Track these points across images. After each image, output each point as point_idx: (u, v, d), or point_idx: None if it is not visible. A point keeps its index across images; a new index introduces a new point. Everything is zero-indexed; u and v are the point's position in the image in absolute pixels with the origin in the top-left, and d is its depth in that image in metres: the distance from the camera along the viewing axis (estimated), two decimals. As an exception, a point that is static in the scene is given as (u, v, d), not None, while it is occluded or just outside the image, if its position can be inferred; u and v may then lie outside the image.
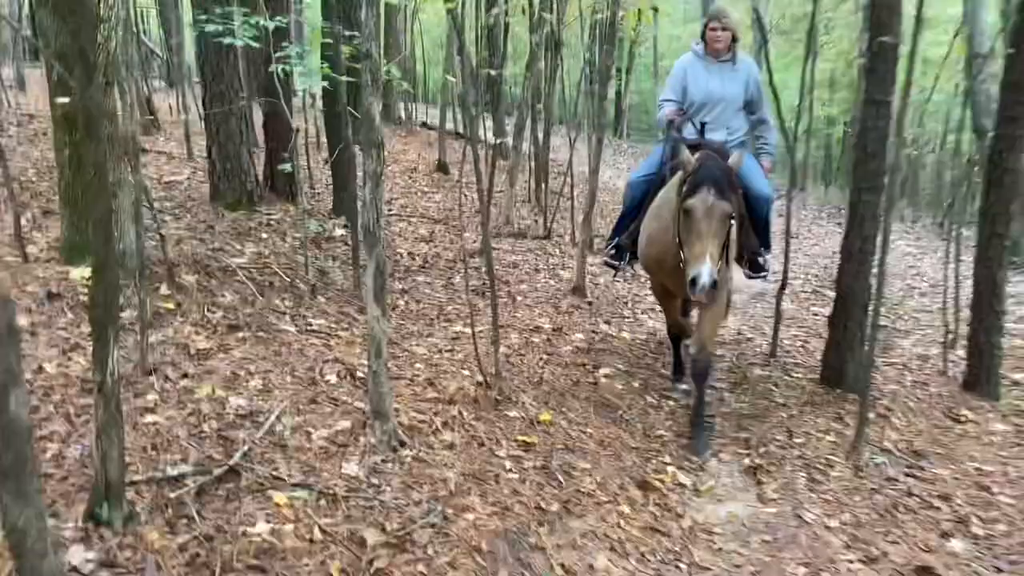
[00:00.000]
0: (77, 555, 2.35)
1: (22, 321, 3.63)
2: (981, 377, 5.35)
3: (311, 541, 2.62)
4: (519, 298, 5.82)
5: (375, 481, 3.03)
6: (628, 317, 6.01)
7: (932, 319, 6.93)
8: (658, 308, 5.72)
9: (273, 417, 3.29)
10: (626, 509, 3.34)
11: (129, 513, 2.52)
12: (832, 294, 5.33)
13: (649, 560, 3.03)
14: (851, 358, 4.77)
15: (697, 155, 3.84)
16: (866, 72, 4.83)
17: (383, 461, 3.18)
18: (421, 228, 6.97)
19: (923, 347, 6.25)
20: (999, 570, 3.17)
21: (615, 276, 5.32)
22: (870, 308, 4.71)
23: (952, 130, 15.24)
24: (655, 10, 8.46)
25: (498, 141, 8.21)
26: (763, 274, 4.65)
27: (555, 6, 7.69)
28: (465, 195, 8.45)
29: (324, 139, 7.08)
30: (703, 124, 4.48)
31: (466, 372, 4.21)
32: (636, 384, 4.75)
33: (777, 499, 3.63)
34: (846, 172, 17.22)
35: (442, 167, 9.75)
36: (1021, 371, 6.11)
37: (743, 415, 4.56)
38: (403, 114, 13.75)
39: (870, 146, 4.63)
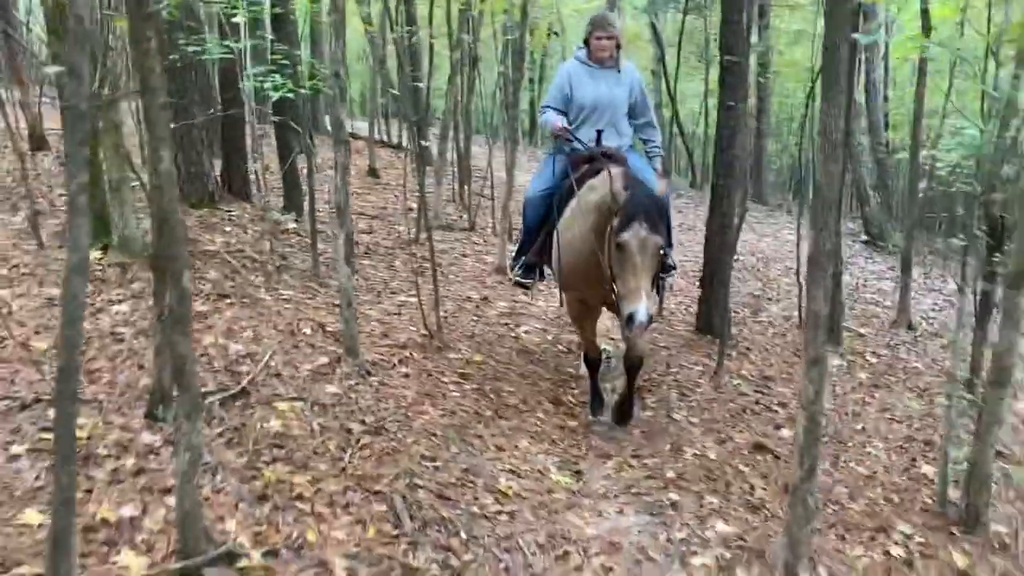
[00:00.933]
0: (146, 437, 3.27)
1: (51, 292, 4.48)
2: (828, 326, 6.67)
3: (312, 431, 3.59)
4: (451, 276, 6.86)
5: (352, 396, 4.02)
6: (543, 291, 7.13)
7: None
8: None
9: (267, 356, 4.24)
10: (541, 415, 4.43)
11: (175, 413, 3.45)
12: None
13: (559, 444, 4.12)
14: (716, 311, 5.99)
15: (618, 179, 3.77)
16: (720, 83, 6.06)
17: (356, 384, 4.17)
18: (361, 223, 7.92)
19: (788, 312, 7.57)
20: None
21: (526, 293, 5.48)
22: (730, 271, 5.95)
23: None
24: (556, 34, 9.63)
25: (425, 144, 9.23)
26: (672, 272, 4.76)
27: (471, 26, 8.77)
28: (396, 195, 9.44)
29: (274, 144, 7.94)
30: (599, 132, 4.55)
31: (413, 328, 5.22)
32: (550, 337, 5.85)
33: (654, 407, 4.78)
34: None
35: (373, 172, 10.70)
36: (867, 327, 7.52)
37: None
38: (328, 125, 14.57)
39: (724, 142, 5.88)
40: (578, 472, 3.85)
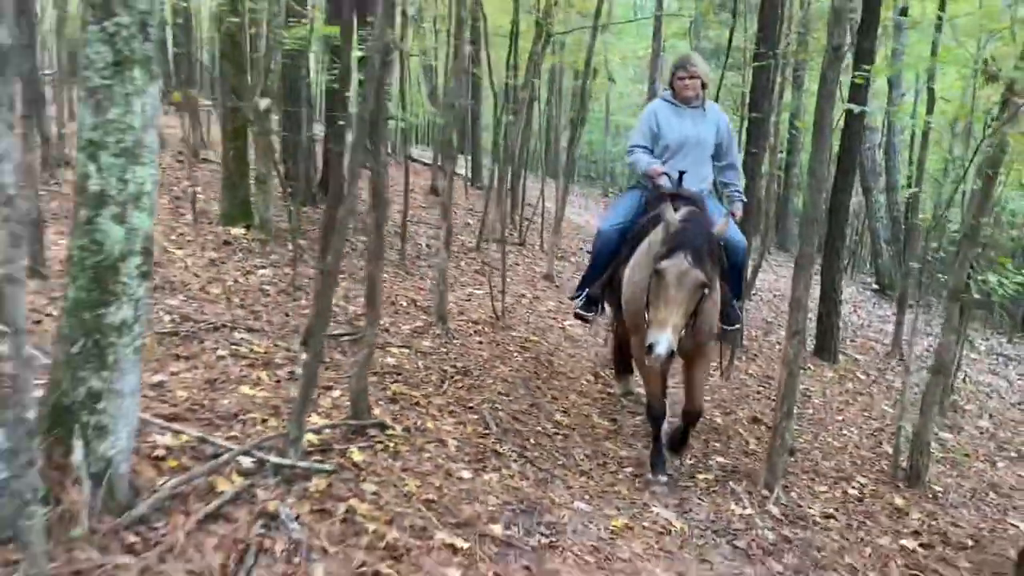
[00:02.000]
0: (304, 356, 4.48)
1: (211, 255, 5.75)
2: (825, 346, 7.82)
3: (417, 368, 4.80)
4: (507, 278, 8.10)
5: (443, 349, 5.23)
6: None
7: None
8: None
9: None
10: (585, 382, 5.61)
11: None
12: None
13: (599, 401, 5.30)
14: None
15: (681, 212, 3.75)
16: (747, 133, 7.29)
17: (445, 342, 5.38)
18: (429, 231, 9.20)
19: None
20: (800, 425, 5.53)
21: (585, 325, 5.30)
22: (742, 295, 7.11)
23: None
24: (613, 80, 10.95)
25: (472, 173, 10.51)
26: (736, 326, 4.58)
27: (535, 70, 10.10)
28: (456, 211, 10.73)
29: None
30: (681, 173, 4.35)
31: (481, 311, 6.44)
32: (591, 334, 7.05)
33: (675, 387, 5.95)
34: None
35: (434, 191, 12.02)
36: (864, 355, 8.63)
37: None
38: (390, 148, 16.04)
39: (746, 182, 7.07)
40: (614, 419, 5.02)
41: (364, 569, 2.45)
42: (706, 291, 3.54)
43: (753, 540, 3.53)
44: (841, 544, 3.70)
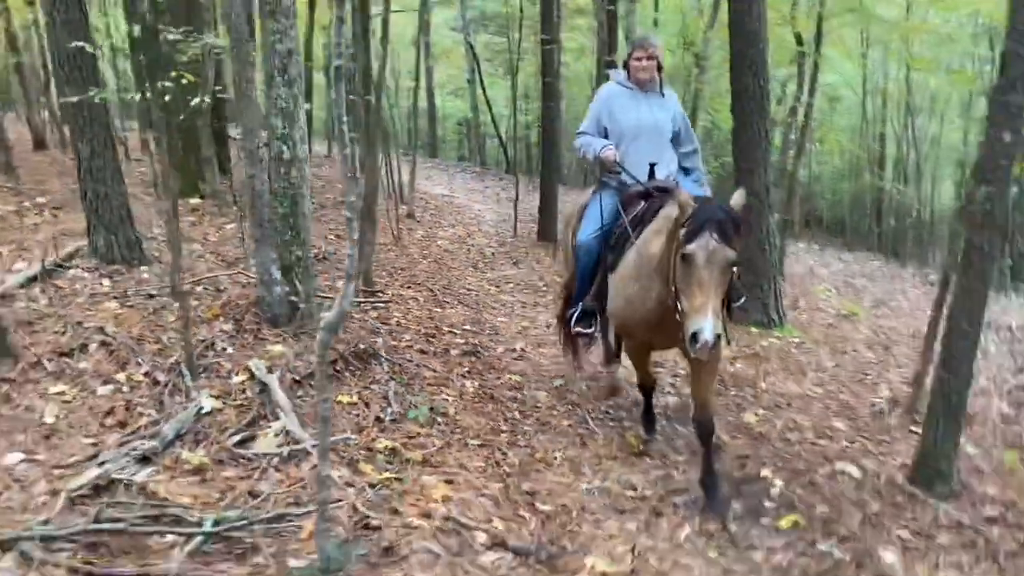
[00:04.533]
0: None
1: (189, 219, 7.73)
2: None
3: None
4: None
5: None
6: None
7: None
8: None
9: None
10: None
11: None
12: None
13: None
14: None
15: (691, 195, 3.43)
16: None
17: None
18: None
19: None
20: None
21: (587, 343, 4.85)
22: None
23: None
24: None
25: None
26: (742, 300, 4.29)
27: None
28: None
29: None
30: (652, 166, 4.23)
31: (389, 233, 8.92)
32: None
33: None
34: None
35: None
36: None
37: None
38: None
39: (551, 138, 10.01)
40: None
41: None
42: (734, 268, 3.25)
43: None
44: None
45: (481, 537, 3.18)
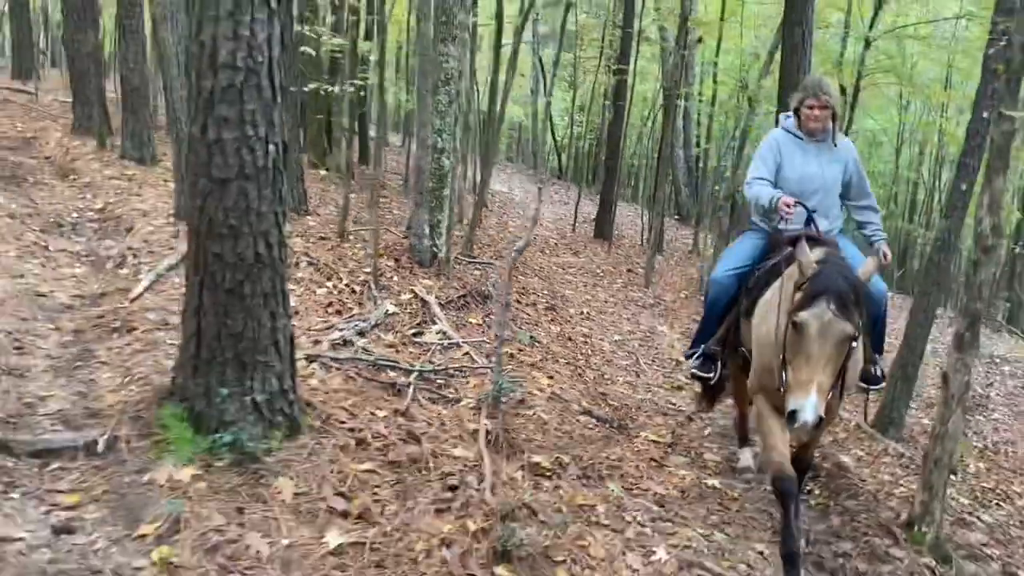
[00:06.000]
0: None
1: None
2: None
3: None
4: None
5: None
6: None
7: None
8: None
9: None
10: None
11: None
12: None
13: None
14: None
15: (816, 252, 3.25)
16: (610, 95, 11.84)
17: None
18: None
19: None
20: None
21: (705, 389, 4.58)
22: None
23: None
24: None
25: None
26: (880, 385, 4.10)
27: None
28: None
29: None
30: (811, 212, 3.89)
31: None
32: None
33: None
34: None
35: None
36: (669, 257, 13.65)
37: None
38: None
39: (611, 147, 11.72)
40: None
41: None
42: (853, 344, 3.04)
43: None
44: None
45: (575, 406, 4.89)
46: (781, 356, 3.17)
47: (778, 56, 10.07)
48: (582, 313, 7.59)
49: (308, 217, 7.32)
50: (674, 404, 5.58)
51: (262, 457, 3.16)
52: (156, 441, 3.21)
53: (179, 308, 4.64)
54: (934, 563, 3.95)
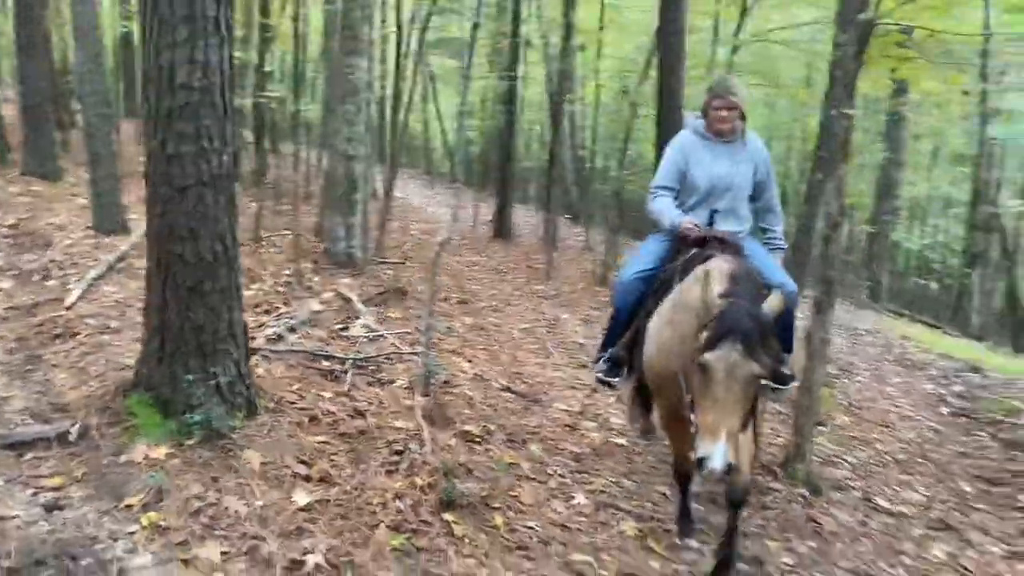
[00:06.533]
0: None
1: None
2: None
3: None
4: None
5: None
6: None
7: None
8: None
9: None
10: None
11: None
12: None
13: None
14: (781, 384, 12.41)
15: (720, 280, 3.11)
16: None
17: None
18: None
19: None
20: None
21: (610, 392, 4.69)
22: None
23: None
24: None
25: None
26: (790, 385, 3.89)
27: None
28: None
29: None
30: (713, 212, 3.92)
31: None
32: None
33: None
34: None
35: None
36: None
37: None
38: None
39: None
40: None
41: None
42: (763, 383, 3.00)
43: None
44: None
45: (495, 384, 5.43)
46: (688, 397, 3.06)
47: (655, 62, 10.94)
48: (491, 306, 8.11)
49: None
50: (580, 379, 6.18)
51: (228, 434, 3.54)
52: (126, 427, 3.53)
53: (116, 314, 4.93)
54: (807, 493, 4.75)
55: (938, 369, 9.48)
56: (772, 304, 3.02)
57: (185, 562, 2.87)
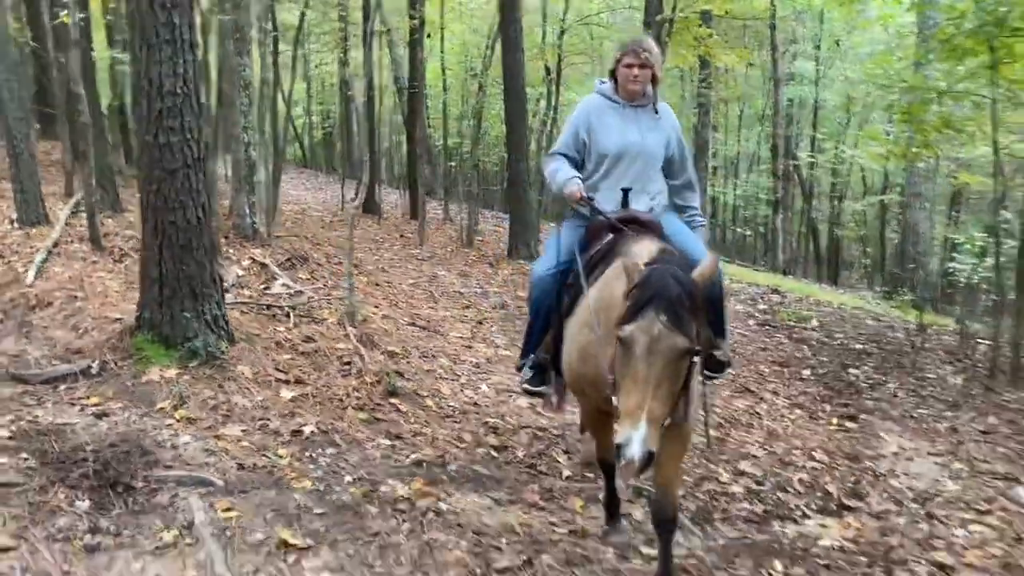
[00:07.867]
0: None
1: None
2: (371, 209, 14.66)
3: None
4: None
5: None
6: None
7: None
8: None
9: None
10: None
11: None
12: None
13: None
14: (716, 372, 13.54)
15: (644, 247, 2.89)
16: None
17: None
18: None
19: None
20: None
21: (542, 405, 4.21)
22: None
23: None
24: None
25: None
26: (725, 372, 3.70)
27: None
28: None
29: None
30: (626, 191, 3.50)
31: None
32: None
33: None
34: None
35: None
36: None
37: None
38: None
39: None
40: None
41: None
42: (693, 359, 2.55)
43: None
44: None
45: (401, 321, 6.72)
46: (611, 378, 2.61)
47: (498, 48, 12.35)
48: (380, 268, 9.31)
49: (127, 214, 8.30)
50: (467, 316, 7.58)
51: (221, 356, 4.65)
52: (138, 359, 4.57)
53: (75, 287, 5.83)
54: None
55: (747, 294, 11.59)
56: (703, 269, 2.66)
57: (217, 437, 4.02)
